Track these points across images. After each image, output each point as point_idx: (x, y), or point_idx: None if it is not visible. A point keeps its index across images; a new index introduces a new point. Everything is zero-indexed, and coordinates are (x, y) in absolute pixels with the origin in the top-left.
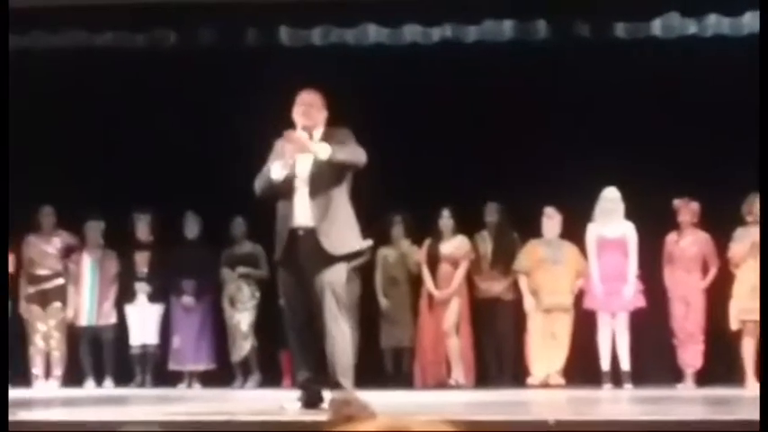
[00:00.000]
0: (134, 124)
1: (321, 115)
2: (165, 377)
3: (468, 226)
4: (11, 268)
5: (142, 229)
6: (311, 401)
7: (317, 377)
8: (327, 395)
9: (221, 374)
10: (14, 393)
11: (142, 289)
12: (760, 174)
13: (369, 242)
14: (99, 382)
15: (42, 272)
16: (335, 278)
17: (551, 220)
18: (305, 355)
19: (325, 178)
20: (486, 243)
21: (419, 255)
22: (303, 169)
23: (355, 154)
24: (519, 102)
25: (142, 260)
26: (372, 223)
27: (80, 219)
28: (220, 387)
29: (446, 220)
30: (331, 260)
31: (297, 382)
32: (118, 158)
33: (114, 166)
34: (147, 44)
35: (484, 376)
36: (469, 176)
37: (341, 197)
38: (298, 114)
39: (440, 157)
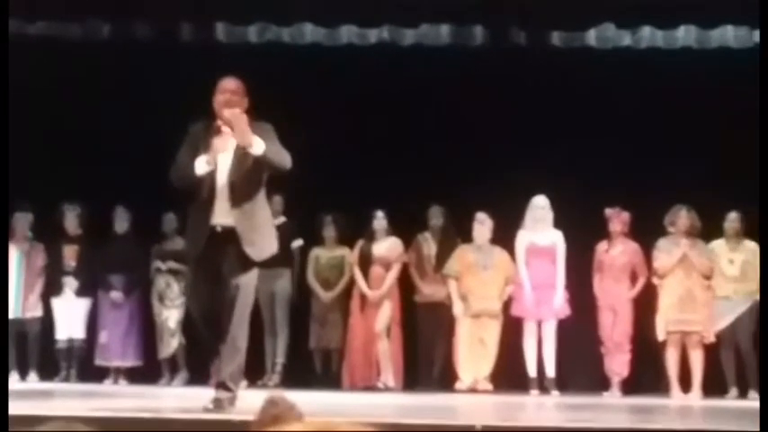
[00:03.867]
0: (65, 116)
1: (244, 103)
2: (91, 372)
3: (406, 228)
4: None
5: (71, 222)
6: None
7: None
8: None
9: (148, 371)
10: None
11: (69, 283)
12: (760, 175)
13: (299, 242)
14: (23, 375)
15: None
16: (251, 282)
17: (482, 226)
18: (212, 352)
19: (246, 176)
20: (429, 246)
21: (351, 256)
22: (225, 165)
23: (284, 156)
24: (454, 106)
25: (70, 254)
26: (305, 224)
27: (8, 210)
28: (147, 384)
29: (379, 221)
30: (250, 264)
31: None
32: (48, 150)
33: (44, 157)
34: (80, 35)
35: (413, 380)
36: (407, 179)
37: (260, 197)
38: (220, 103)
39: (376, 159)
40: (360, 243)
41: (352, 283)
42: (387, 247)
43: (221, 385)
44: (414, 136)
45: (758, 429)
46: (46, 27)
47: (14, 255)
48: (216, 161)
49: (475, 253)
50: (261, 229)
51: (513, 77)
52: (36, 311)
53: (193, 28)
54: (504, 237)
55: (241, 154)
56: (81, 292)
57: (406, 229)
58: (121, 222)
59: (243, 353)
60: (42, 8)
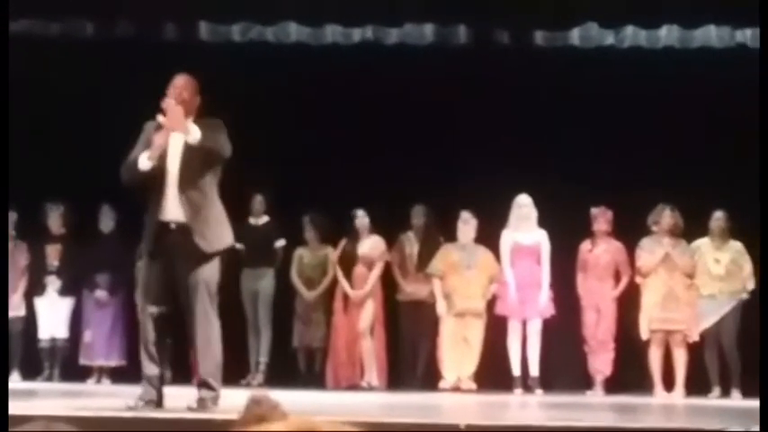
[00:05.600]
0: (49, 114)
1: (194, 101)
2: (74, 372)
3: (389, 227)
4: None
5: (54, 221)
6: (156, 400)
7: (163, 374)
8: (176, 393)
9: (131, 370)
10: None
11: (52, 282)
12: (760, 174)
13: (282, 242)
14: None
15: None
16: (209, 275)
17: (466, 225)
18: (158, 350)
19: (195, 169)
20: (412, 245)
21: (334, 255)
22: (173, 160)
23: (222, 144)
24: (438, 105)
25: (53, 253)
26: (288, 223)
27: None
28: (130, 383)
29: (361, 219)
30: (205, 257)
31: (144, 377)
32: (31, 149)
33: (27, 156)
34: (62, 33)
35: (396, 379)
36: (390, 178)
37: (212, 191)
38: (168, 96)
39: (359, 158)
40: (343, 242)
41: (335, 282)
42: (369, 245)
43: (203, 384)
44: (397, 135)
45: (758, 429)
46: (28, 25)
47: None
48: (158, 156)
49: (459, 252)
50: (212, 221)
51: (497, 77)
52: (19, 311)
53: (177, 27)
54: (489, 236)
55: (186, 148)
56: (64, 292)
57: (388, 228)
58: (107, 221)
59: (217, 347)
60: (23, 6)
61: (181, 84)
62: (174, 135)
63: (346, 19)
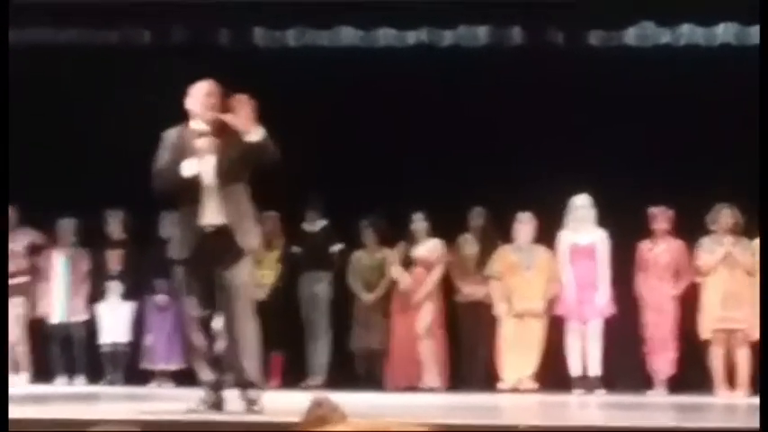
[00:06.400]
0: (109, 121)
1: (222, 106)
2: (137, 375)
3: (446, 230)
4: None
5: (114, 226)
6: (216, 403)
7: (220, 378)
8: (234, 395)
9: (192, 374)
10: None
11: (114, 287)
12: (760, 173)
13: (339, 246)
14: (70, 379)
15: None
16: (246, 276)
17: (525, 226)
18: (210, 354)
19: (233, 174)
20: (470, 246)
21: (393, 258)
22: (209, 165)
23: (275, 147)
24: (493, 106)
25: (114, 258)
26: (345, 227)
27: (52, 216)
28: (192, 386)
29: (419, 222)
30: (243, 257)
31: (202, 383)
32: (91, 155)
33: (87, 163)
34: (119, 41)
35: (456, 380)
36: (447, 180)
37: (245, 193)
38: (203, 106)
39: (416, 161)
40: (401, 245)
41: (393, 284)
42: (428, 248)
43: (249, 384)
44: (453, 137)
45: (758, 429)
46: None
47: (60, 260)
48: (201, 162)
49: (516, 253)
50: (248, 221)
51: (552, 77)
52: (82, 316)
53: (231, 33)
54: (547, 237)
55: (226, 152)
56: (125, 296)
57: (447, 230)
58: (167, 226)
59: (258, 347)
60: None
61: (212, 89)
62: (207, 139)
63: (400, 22)
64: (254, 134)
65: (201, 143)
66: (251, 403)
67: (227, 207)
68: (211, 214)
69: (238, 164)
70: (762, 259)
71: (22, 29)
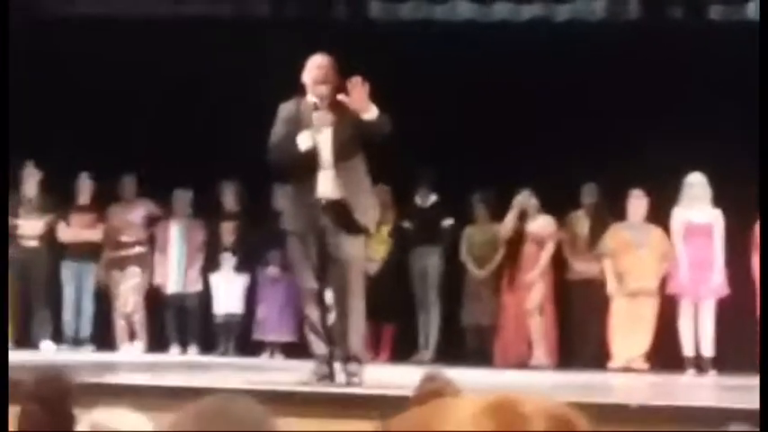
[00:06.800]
0: (225, 93)
1: (335, 79)
2: (249, 346)
3: (557, 206)
4: (99, 236)
5: (229, 198)
6: (327, 375)
7: (332, 351)
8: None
9: (303, 346)
10: (100, 357)
11: (228, 259)
12: (760, 172)
13: (450, 221)
14: (183, 348)
15: (124, 239)
16: (360, 249)
17: (638, 203)
18: (323, 327)
19: (351, 147)
20: (582, 223)
21: (504, 234)
22: (325, 139)
23: (386, 121)
24: (608, 81)
25: (228, 230)
26: (456, 202)
27: (169, 188)
28: (303, 358)
29: (530, 199)
30: (357, 232)
31: (313, 355)
32: (207, 129)
33: (202, 136)
34: (237, 14)
35: (566, 358)
36: (558, 156)
37: (362, 167)
38: (314, 79)
39: (527, 136)
40: (512, 220)
41: (504, 260)
42: (539, 224)
43: (354, 358)
44: (567, 112)
45: (758, 429)
46: (199, 8)
47: (175, 231)
48: (317, 134)
49: (629, 231)
50: (365, 197)
51: (670, 53)
52: (196, 286)
53: (347, 6)
54: (660, 215)
55: (341, 126)
56: (239, 268)
57: (558, 206)
58: (280, 199)
59: (364, 322)
60: None
61: (325, 63)
62: (325, 112)
63: None
64: (369, 113)
65: (317, 116)
66: (351, 375)
67: (344, 181)
68: (327, 188)
69: (353, 139)
70: (762, 258)
71: (148, 2)
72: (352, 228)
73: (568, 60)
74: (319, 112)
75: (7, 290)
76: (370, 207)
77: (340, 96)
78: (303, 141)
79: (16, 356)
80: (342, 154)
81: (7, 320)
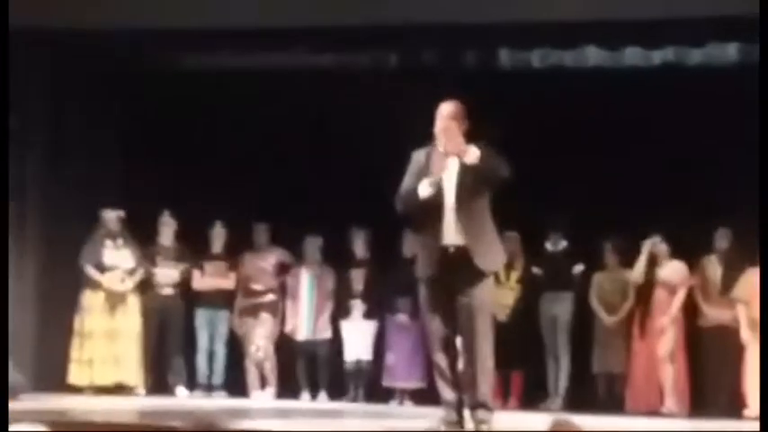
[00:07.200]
0: (356, 141)
1: (462, 125)
2: (378, 393)
3: (688, 251)
4: (232, 284)
5: (359, 245)
6: (457, 422)
7: (461, 398)
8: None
9: (433, 392)
10: (233, 403)
11: (357, 305)
12: (760, 177)
13: (581, 267)
14: (314, 395)
15: (257, 287)
16: (487, 295)
17: None
18: (453, 373)
19: (471, 191)
20: (715, 268)
21: (634, 280)
22: (449, 184)
23: (499, 164)
24: (739, 126)
25: (358, 277)
26: (587, 248)
27: (300, 235)
28: (431, 405)
29: (660, 245)
30: (483, 278)
31: (443, 402)
32: (337, 177)
33: (332, 184)
34: (368, 65)
35: (699, 406)
36: (689, 201)
37: (486, 211)
38: (438, 129)
39: (657, 181)
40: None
41: (635, 306)
42: (670, 270)
43: (482, 405)
44: (698, 155)
45: (758, 430)
46: (333, 58)
47: (306, 278)
48: (439, 183)
49: None
50: (488, 242)
51: None
52: (326, 333)
53: (477, 54)
54: None
55: (462, 172)
56: (368, 315)
57: (689, 252)
58: (408, 246)
59: (492, 368)
60: (329, 40)
61: (449, 112)
62: (449, 160)
63: (646, 41)
64: (468, 157)
65: (437, 163)
66: (480, 422)
67: (467, 227)
68: (451, 234)
69: (474, 184)
70: (762, 258)
71: (288, 53)
72: (477, 273)
73: (701, 104)
74: (444, 159)
75: (7, 290)
76: (490, 251)
77: (442, 149)
78: (423, 189)
79: (153, 402)
80: (464, 199)
81: (7, 320)
